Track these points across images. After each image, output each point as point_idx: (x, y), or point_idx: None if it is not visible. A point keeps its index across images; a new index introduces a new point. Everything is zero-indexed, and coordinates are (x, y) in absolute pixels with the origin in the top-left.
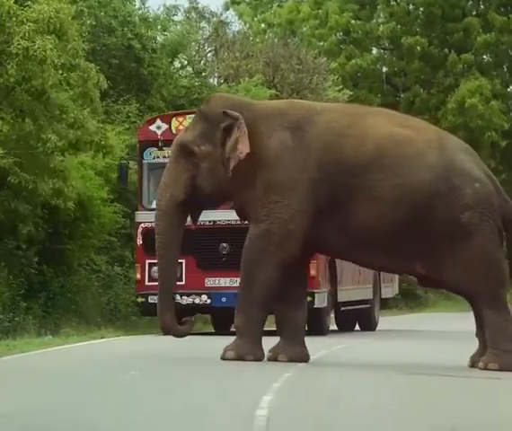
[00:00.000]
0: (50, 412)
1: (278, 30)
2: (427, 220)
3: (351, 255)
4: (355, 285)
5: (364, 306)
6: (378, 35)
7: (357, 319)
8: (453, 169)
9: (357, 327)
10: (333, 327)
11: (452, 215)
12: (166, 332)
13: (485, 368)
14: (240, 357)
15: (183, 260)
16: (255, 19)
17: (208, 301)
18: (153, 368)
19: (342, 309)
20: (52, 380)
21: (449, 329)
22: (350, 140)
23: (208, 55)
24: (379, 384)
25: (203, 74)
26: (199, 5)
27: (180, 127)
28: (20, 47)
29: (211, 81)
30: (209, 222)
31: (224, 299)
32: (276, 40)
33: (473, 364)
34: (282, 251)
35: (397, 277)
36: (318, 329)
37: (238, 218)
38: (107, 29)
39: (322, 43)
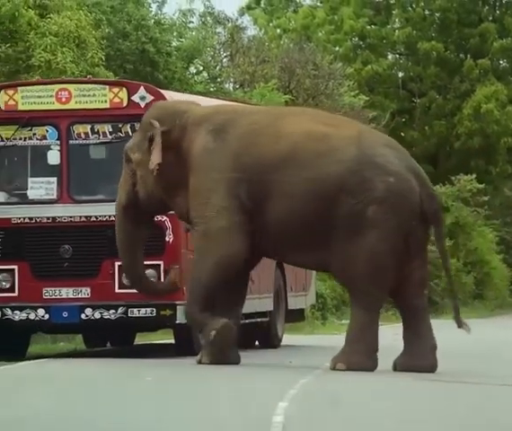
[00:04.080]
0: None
1: (294, 36)
2: (335, 213)
3: (277, 254)
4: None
5: (261, 320)
6: (394, 40)
7: (254, 335)
8: (366, 163)
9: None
10: None
11: (359, 208)
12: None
13: (334, 368)
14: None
15: (15, 267)
16: (270, 24)
17: (46, 316)
18: (165, 374)
19: None
20: None
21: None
22: (267, 139)
23: (224, 60)
24: (399, 390)
25: (218, 79)
26: (215, 11)
27: (11, 103)
28: (42, 59)
29: (227, 86)
30: (47, 219)
31: (65, 314)
32: (291, 46)
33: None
34: (221, 249)
35: (313, 284)
36: (186, 348)
37: (84, 215)
38: (121, 34)
39: (337, 48)
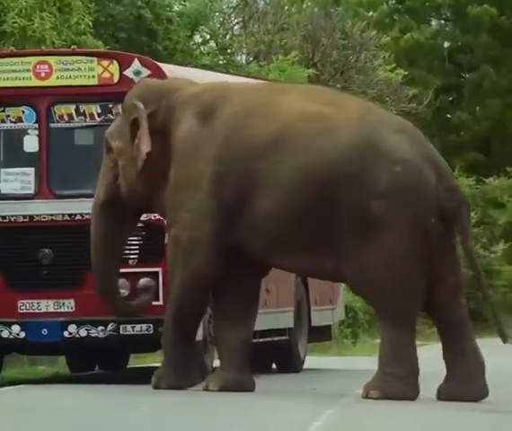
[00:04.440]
0: None
1: None
2: (332, 209)
3: (269, 257)
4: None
5: (279, 338)
6: (439, 3)
7: (271, 356)
8: (367, 148)
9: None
10: None
11: (360, 202)
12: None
13: (367, 396)
14: (167, 387)
15: None
16: None
17: (22, 334)
18: (163, 403)
19: None
20: None
21: None
22: (258, 120)
23: (235, 28)
24: (444, 424)
25: (229, 50)
26: None
27: None
28: (16, 25)
29: (238, 59)
30: (23, 217)
31: (45, 331)
32: (316, 10)
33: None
34: (191, 263)
35: (342, 296)
36: None
37: (67, 212)
38: None
39: (370, 13)
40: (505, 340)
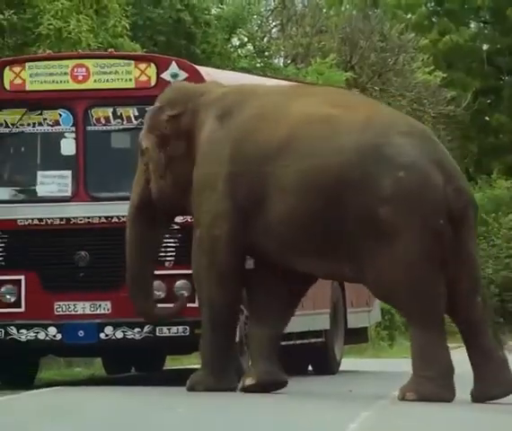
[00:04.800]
0: None
1: (357, 1)
2: (338, 210)
3: (283, 259)
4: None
5: (315, 340)
6: (478, 5)
7: (307, 358)
8: (370, 154)
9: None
10: None
11: (366, 208)
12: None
13: (403, 398)
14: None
15: (22, 277)
16: None
17: (59, 336)
18: (199, 405)
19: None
20: None
21: None
22: (268, 124)
23: (273, 30)
24: (471, 424)
25: (266, 53)
26: None
27: (18, 82)
28: (51, 27)
29: (276, 61)
30: (60, 220)
31: (81, 333)
32: (354, 13)
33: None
34: (214, 263)
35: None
36: None
37: (103, 215)
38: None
39: (409, 16)
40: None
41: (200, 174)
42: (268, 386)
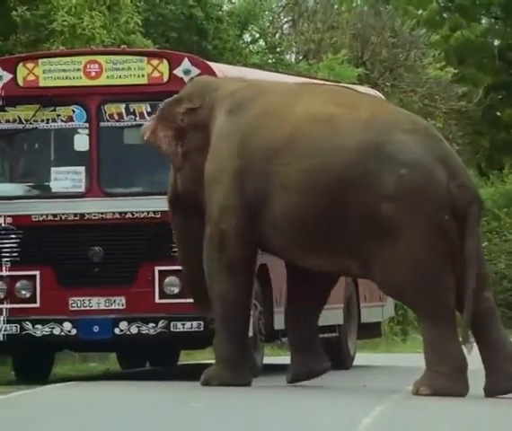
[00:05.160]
0: None
1: None
2: (340, 209)
3: (289, 255)
4: None
5: (328, 335)
6: (489, 1)
7: None
8: (372, 152)
9: None
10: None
11: (369, 206)
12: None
13: (417, 393)
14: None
15: (37, 273)
16: None
17: (74, 331)
18: (216, 399)
19: (284, 339)
20: None
21: None
22: (273, 122)
23: (285, 26)
24: (484, 419)
25: (278, 49)
26: None
27: (31, 78)
28: (65, 23)
29: (288, 57)
30: (74, 215)
31: (96, 328)
32: (365, 9)
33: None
34: (223, 257)
35: None
36: None
37: (117, 211)
38: None
39: (420, 11)
40: (464, 342)
41: (210, 169)
42: (304, 377)
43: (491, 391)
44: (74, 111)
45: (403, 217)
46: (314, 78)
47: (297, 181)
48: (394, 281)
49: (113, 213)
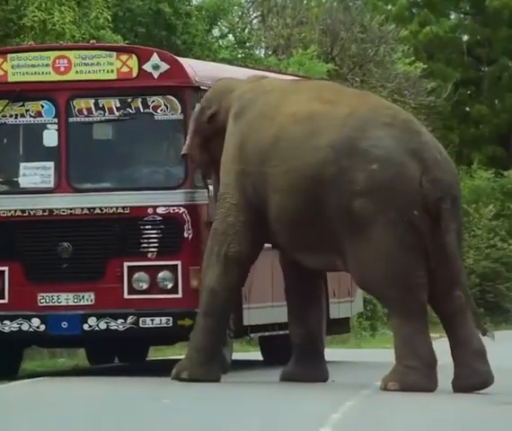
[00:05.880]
0: None
1: None
2: (322, 210)
3: (289, 252)
4: (275, 301)
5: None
6: None
7: (290, 348)
8: (345, 149)
9: None
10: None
11: (343, 203)
12: None
13: (385, 388)
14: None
15: (5, 269)
16: None
17: (42, 327)
18: (184, 395)
19: (253, 335)
20: None
21: None
22: (266, 123)
23: (254, 21)
24: (461, 416)
25: (247, 44)
26: None
27: None
28: (35, 19)
29: (257, 52)
30: (43, 211)
31: (64, 324)
32: (335, 4)
33: None
34: (224, 247)
35: (359, 289)
36: None
37: (86, 206)
38: None
39: (389, 7)
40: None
41: (221, 171)
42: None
43: (460, 386)
44: (43, 106)
45: (374, 213)
46: (284, 74)
47: (282, 183)
48: (367, 276)
49: (82, 208)
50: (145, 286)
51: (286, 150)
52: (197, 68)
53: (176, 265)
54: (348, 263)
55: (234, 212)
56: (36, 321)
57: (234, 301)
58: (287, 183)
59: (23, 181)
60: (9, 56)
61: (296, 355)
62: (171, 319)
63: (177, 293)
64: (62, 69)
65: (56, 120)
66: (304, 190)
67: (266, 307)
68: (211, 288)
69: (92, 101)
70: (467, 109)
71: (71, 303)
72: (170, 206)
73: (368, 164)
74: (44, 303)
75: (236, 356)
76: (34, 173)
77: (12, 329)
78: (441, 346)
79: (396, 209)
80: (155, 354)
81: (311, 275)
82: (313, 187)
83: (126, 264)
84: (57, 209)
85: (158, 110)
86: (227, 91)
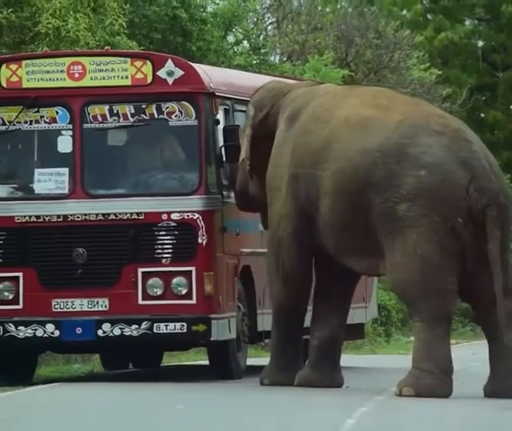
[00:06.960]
0: None
1: None
2: (368, 213)
3: (336, 257)
4: None
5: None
6: (473, 3)
7: (306, 353)
8: (395, 154)
9: None
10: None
11: (389, 206)
12: None
13: (400, 394)
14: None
15: (19, 274)
16: None
17: (57, 332)
18: (198, 401)
19: (267, 341)
20: None
21: None
22: (318, 126)
23: (269, 28)
24: (477, 422)
25: (262, 50)
26: None
27: (14, 79)
28: (50, 26)
29: (272, 59)
30: (58, 217)
31: (79, 330)
32: (349, 10)
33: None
34: (279, 263)
35: (375, 294)
36: (222, 369)
37: (100, 212)
38: None
39: (404, 13)
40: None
41: (269, 175)
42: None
43: (492, 391)
44: (57, 113)
45: (417, 216)
46: (300, 80)
47: (331, 185)
48: (399, 276)
49: (96, 214)
50: (159, 292)
51: (336, 152)
52: (211, 74)
53: (190, 271)
54: (386, 264)
55: (284, 224)
56: (50, 327)
57: (301, 310)
58: (336, 185)
59: (38, 187)
60: (24, 62)
61: (312, 358)
62: (185, 324)
63: (191, 298)
64: (76, 75)
65: (70, 126)
66: (351, 193)
67: None
68: (276, 302)
69: (106, 108)
70: (482, 114)
71: (85, 308)
72: (184, 211)
73: (417, 170)
74: (58, 309)
75: (250, 361)
76: (49, 179)
77: (26, 334)
78: (455, 352)
79: (440, 214)
80: (169, 359)
81: (344, 280)
82: (360, 190)
83: (140, 270)
84: (71, 215)
85: (172, 116)
86: (280, 93)
